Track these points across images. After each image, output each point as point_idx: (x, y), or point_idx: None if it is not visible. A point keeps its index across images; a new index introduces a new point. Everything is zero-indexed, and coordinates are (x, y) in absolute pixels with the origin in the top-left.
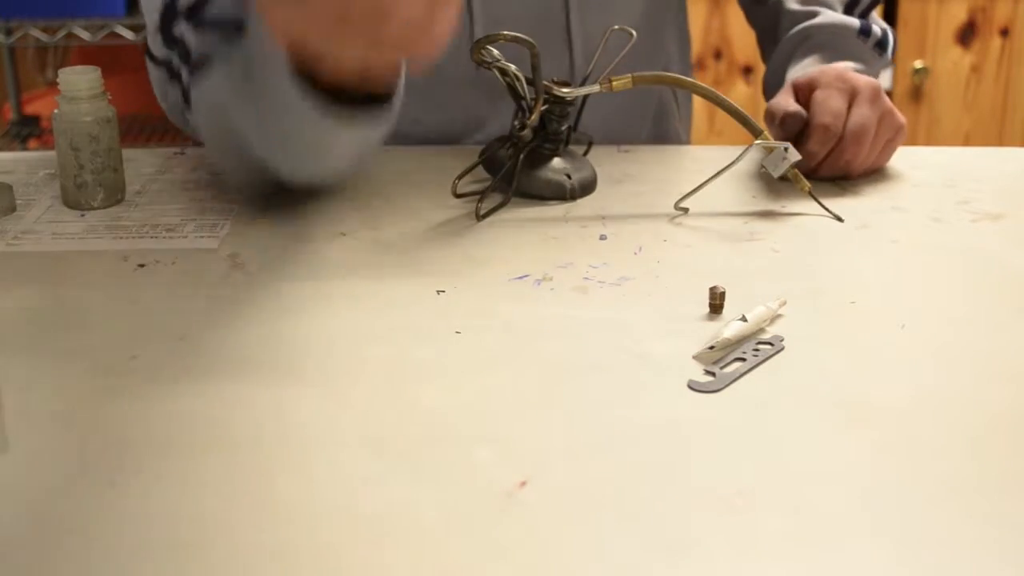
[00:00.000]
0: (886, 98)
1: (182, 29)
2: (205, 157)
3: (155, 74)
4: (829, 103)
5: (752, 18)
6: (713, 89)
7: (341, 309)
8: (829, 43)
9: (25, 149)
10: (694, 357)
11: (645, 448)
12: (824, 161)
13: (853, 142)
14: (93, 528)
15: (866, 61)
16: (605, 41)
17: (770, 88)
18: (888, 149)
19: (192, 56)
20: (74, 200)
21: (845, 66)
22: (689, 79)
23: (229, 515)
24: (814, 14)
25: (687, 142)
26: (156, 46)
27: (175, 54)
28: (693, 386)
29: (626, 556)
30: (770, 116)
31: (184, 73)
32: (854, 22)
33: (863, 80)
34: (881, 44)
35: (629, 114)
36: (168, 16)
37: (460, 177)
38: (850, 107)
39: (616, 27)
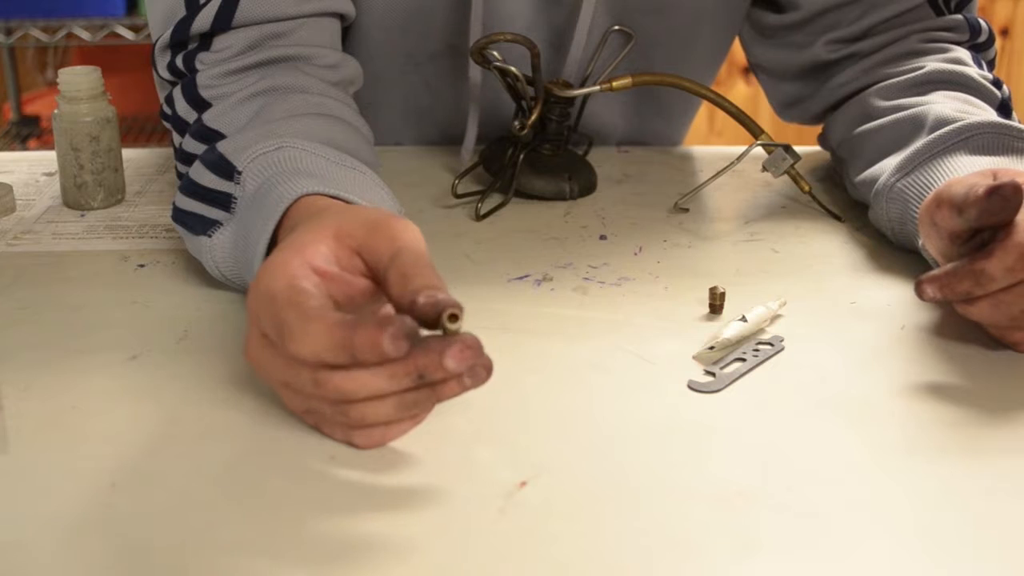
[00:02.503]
0: None
1: (178, 63)
2: None
3: (159, 84)
4: None
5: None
6: (713, 90)
7: None
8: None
9: (25, 149)
10: (694, 357)
11: (645, 448)
12: (996, 297)
13: None
14: (94, 528)
15: None
16: (604, 42)
17: (887, 193)
18: None
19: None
20: (74, 200)
21: None
22: (689, 80)
23: (228, 513)
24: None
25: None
26: (161, 66)
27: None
28: (693, 386)
29: (626, 556)
30: (955, 193)
31: (175, 140)
32: None
33: None
34: None
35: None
36: (177, 41)
37: (460, 177)
38: None
39: (616, 27)
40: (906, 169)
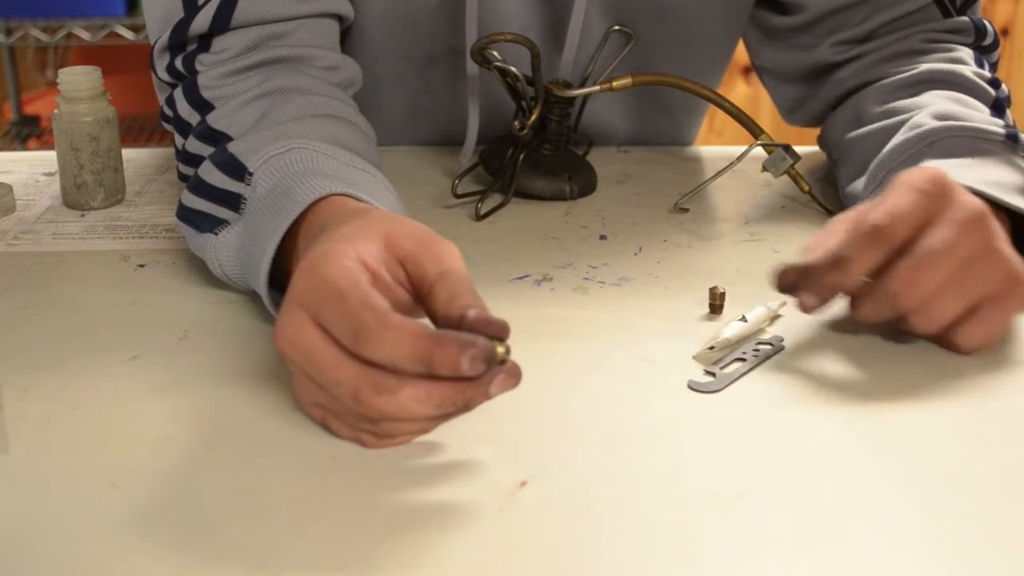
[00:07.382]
0: (997, 233)
1: (179, 66)
2: None
3: (158, 86)
4: (896, 202)
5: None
6: (713, 90)
7: None
8: (966, 148)
9: (25, 149)
10: (694, 357)
11: (645, 448)
12: (869, 294)
13: (913, 267)
14: (94, 528)
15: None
16: (604, 42)
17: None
18: (990, 312)
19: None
20: (74, 200)
21: (977, 176)
22: (689, 80)
23: (228, 514)
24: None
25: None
26: (160, 68)
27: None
28: (693, 386)
29: (626, 556)
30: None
31: (178, 141)
32: (997, 125)
33: (965, 197)
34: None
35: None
36: (176, 42)
37: (460, 177)
38: (931, 223)
39: (616, 28)
40: (875, 182)
